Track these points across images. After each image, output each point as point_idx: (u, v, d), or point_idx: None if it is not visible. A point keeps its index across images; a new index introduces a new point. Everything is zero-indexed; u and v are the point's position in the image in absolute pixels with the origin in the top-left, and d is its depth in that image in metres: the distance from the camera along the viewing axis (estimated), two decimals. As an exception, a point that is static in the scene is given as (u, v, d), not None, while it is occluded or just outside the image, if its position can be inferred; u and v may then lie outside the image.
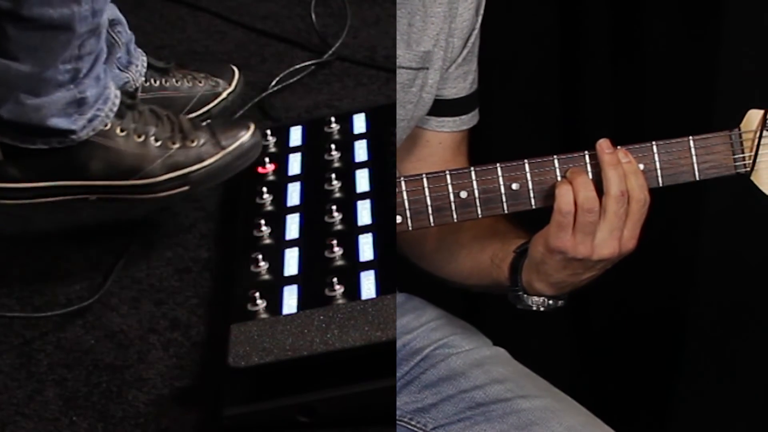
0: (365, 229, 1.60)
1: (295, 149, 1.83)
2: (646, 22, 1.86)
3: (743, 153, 1.28)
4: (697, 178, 1.29)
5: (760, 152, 1.28)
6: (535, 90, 1.95)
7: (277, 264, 1.57)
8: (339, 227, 1.61)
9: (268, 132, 1.86)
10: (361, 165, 1.74)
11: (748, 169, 1.29)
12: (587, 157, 1.28)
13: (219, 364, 1.45)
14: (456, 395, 1.42)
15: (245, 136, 1.69)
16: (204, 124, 1.73)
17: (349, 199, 1.66)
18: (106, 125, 1.64)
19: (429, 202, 1.29)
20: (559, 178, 1.28)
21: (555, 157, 1.29)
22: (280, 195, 1.72)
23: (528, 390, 1.41)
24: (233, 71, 2.00)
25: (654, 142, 1.28)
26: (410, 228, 1.30)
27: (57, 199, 1.66)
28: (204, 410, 1.48)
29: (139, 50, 1.90)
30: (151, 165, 1.66)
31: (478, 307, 1.88)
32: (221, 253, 1.73)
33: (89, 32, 1.57)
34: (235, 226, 1.69)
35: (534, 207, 1.30)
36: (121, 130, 1.65)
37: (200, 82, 1.95)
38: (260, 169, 1.77)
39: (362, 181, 1.70)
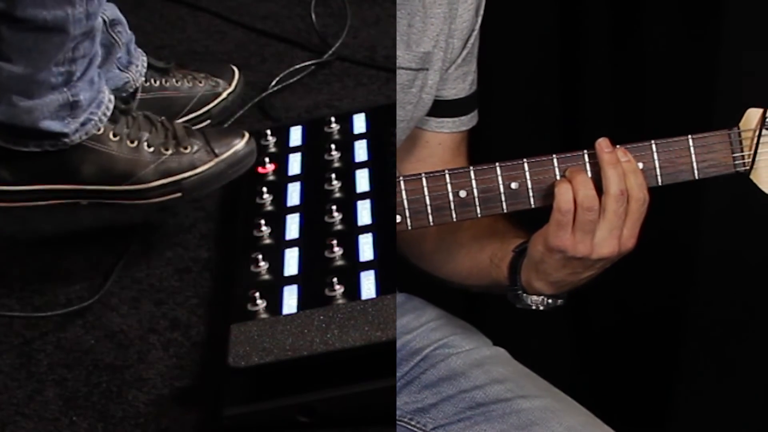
0: (365, 229, 1.60)
1: (295, 149, 1.83)
2: (646, 21, 1.86)
3: (742, 152, 1.28)
4: (696, 177, 1.29)
5: (759, 151, 1.28)
6: (534, 90, 1.95)
7: (277, 264, 1.57)
8: (339, 227, 1.61)
9: (268, 132, 1.86)
10: (361, 165, 1.74)
11: (748, 167, 1.29)
12: (586, 156, 1.28)
13: (219, 364, 1.45)
14: (456, 395, 1.42)
15: (239, 144, 1.69)
16: (199, 130, 1.72)
17: (349, 199, 1.66)
18: (99, 129, 1.64)
19: (428, 202, 1.29)
20: (558, 178, 1.28)
21: (554, 156, 1.29)
22: (280, 195, 1.72)
23: (528, 390, 1.41)
24: (233, 71, 2.00)
25: (653, 141, 1.28)
26: (409, 227, 1.30)
27: (49, 202, 1.66)
28: (204, 410, 1.48)
29: (140, 50, 1.90)
30: (144, 170, 1.65)
31: (478, 307, 1.88)
32: (221, 253, 1.73)
33: (83, 35, 1.57)
34: (235, 226, 1.69)
35: (533, 206, 1.30)
36: (114, 135, 1.65)
37: (200, 82, 1.95)
38: (260, 169, 1.77)
39: (362, 181, 1.70)
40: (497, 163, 1.29)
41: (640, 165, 1.27)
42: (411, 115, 1.39)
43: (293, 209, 1.68)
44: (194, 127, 1.78)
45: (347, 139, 1.81)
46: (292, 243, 1.62)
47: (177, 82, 1.93)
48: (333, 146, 1.78)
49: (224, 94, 1.97)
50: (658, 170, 1.28)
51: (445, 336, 1.48)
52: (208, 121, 1.94)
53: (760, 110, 1.28)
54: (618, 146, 1.27)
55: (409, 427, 1.43)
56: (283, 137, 1.86)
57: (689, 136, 1.28)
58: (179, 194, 1.67)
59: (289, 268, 1.57)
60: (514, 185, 1.29)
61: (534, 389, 1.41)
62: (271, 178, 1.77)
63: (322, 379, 1.42)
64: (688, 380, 1.95)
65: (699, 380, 1.95)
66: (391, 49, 2.16)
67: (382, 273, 1.50)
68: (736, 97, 1.71)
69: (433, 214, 1.30)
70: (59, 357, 1.58)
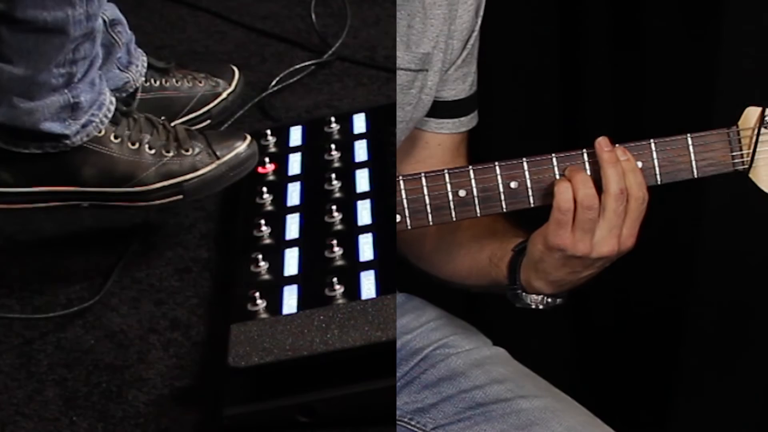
0: (365, 229, 1.60)
1: (295, 149, 1.83)
2: (646, 21, 1.86)
3: (741, 150, 1.28)
4: (696, 176, 1.29)
5: (758, 149, 1.28)
6: (534, 89, 1.95)
7: (277, 264, 1.57)
8: (339, 227, 1.61)
9: (268, 132, 1.86)
10: (361, 165, 1.74)
11: (747, 166, 1.29)
12: (585, 155, 1.28)
13: (219, 364, 1.45)
14: (456, 395, 1.42)
15: (241, 147, 1.69)
16: (200, 132, 1.72)
17: (349, 199, 1.66)
18: (100, 131, 1.64)
19: (428, 201, 1.29)
20: (557, 177, 1.28)
21: (553, 155, 1.29)
22: (280, 195, 1.72)
23: (528, 390, 1.41)
24: (233, 71, 2.00)
25: (652, 140, 1.28)
26: (409, 227, 1.30)
27: (49, 204, 1.66)
28: (204, 410, 1.48)
29: (140, 50, 1.90)
30: (145, 173, 1.65)
31: (478, 307, 1.88)
32: (221, 253, 1.73)
33: (84, 36, 1.57)
34: (235, 226, 1.69)
35: (533, 205, 1.30)
36: (116, 137, 1.65)
37: (200, 82, 1.95)
38: (260, 169, 1.77)
39: (362, 181, 1.70)
40: (496, 163, 1.29)
41: (640, 164, 1.27)
42: (410, 116, 1.39)
43: (293, 209, 1.68)
44: (194, 128, 1.78)
45: (347, 139, 1.81)
46: (292, 243, 1.61)
47: (177, 82, 1.93)
48: (333, 146, 1.78)
49: (224, 94, 1.97)
50: (657, 169, 1.28)
51: (445, 336, 1.48)
52: (208, 121, 1.93)
53: (759, 109, 1.28)
54: (617, 145, 1.27)
55: (409, 427, 1.43)
56: (283, 137, 1.86)
57: (688, 135, 1.28)
58: (180, 196, 1.67)
59: (289, 268, 1.57)
60: (513, 184, 1.29)
61: (534, 389, 1.41)
62: (271, 178, 1.77)
63: (322, 379, 1.42)
64: (688, 380, 1.95)
65: (699, 380, 1.95)
66: (391, 49, 2.16)
67: (382, 273, 1.50)
68: (735, 97, 1.71)
69: (433, 214, 1.30)
70: (59, 357, 1.58)
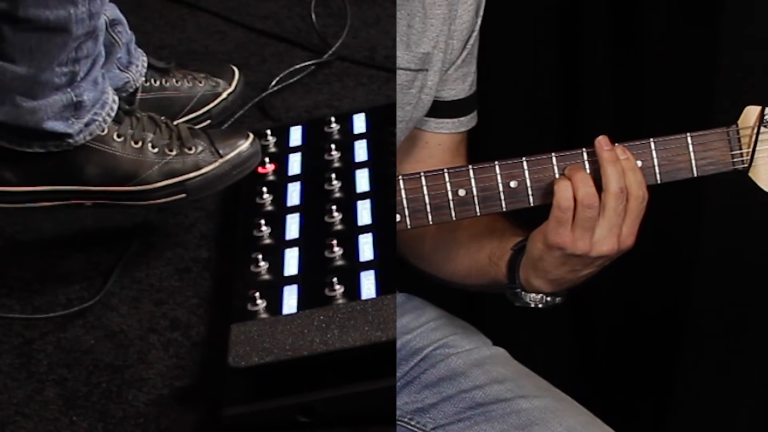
0: (365, 229, 1.60)
1: (295, 149, 1.83)
2: (646, 19, 1.86)
3: (741, 149, 1.28)
4: (695, 175, 1.29)
5: (757, 148, 1.28)
6: (534, 89, 1.95)
7: (277, 264, 1.57)
8: (339, 227, 1.61)
9: (268, 132, 1.86)
10: (361, 165, 1.74)
11: (746, 165, 1.29)
12: (585, 154, 1.28)
13: (219, 364, 1.45)
14: (456, 395, 1.42)
15: (244, 145, 1.69)
16: (203, 131, 1.72)
17: (349, 199, 1.66)
18: (103, 130, 1.64)
19: (427, 201, 1.29)
20: (557, 176, 1.28)
21: (553, 154, 1.29)
22: (280, 195, 1.72)
23: (528, 390, 1.41)
24: (233, 71, 2.00)
25: (651, 139, 1.28)
26: (409, 227, 1.30)
27: (52, 203, 1.66)
28: (204, 410, 1.48)
29: (140, 50, 1.90)
30: (148, 171, 1.65)
31: (478, 307, 1.88)
32: (221, 253, 1.73)
33: (86, 35, 1.57)
34: (235, 226, 1.69)
35: (532, 204, 1.30)
36: (118, 136, 1.65)
37: (200, 82, 1.95)
38: (260, 169, 1.77)
39: (362, 181, 1.70)
40: (496, 162, 1.29)
41: (639, 163, 1.27)
42: (410, 116, 1.39)
43: (293, 209, 1.68)
44: (196, 128, 1.78)
45: (347, 139, 1.81)
46: (292, 243, 1.62)
47: (177, 82, 1.93)
48: (333, 146, 1.78)
49: (224, 94, 1.97)
50: (656, 168, 1.28)
51: (445, 336, 1.48)
52: (208, 122, 1.93)
53: (759, 108, 1.28)
54: (617, 144, 1.27)
55: (409, 427, 1.43)
56: (283, 137, 1.86)
57: (687, 134, 1.28)
58: (183, 195, 1.67)
59: (289, 268, 1.57)
60: (513, 184, 1.29)
61: (534, 389, 1.41)
62: (271, 178, 1.77)
63: (322, 379, 1.43)
64: (688, 380, 1.95)
65: (699, 380, 1.95)
66: (391, 49, 2.16)
67: (382, 273, 1.50)
68: (735, 95, 1.71)
69: (433, 213, 1.30)
70: (59, 357, 1.58)
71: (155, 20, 2.33)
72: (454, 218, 1.30)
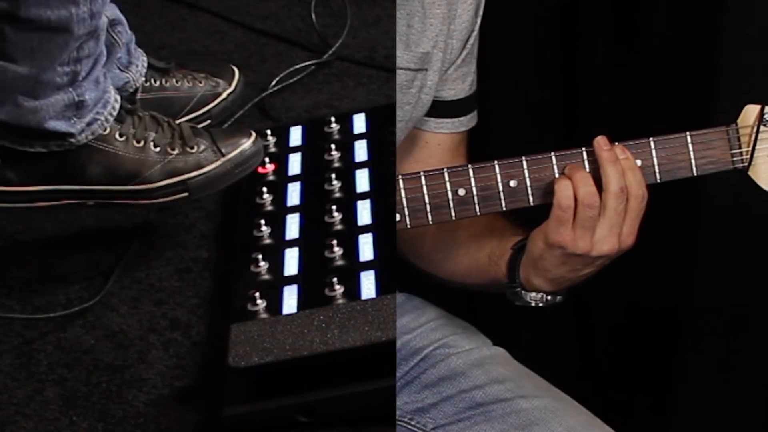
0: (365, 229, 1.60)
1: (295, 149, 1.83)
2: (646, 19, 1.86)
3: (740, 148, 1.28)
4: (695, 174, 1.29)
5: (757, 147, 1.28)
6: (533, 88, 1.95)
7: (277, 264, 1.57)
8: (339, 227, 1.61)
9: (268, 132, 1.86)
10: (361, 165, 1.74)
11: (746, 164, 1.29)
12: (584, 153, 1.28)
13: (219, 364, 1.45)
14: (456, 395, 1.42)
15: (246, 144, 1.69)
16: (205, 130, 1.72)
17: (349, 199, 1.66)
18: (105, 129, 1.64)
19: (427, 200, 1.29)
20: (557, 175, 1.28)
21: (552, 154, 1.29)
22: (280, 195, 1.72)
23: (528, 390, 1.41)
24: (233, 71, 2.00)
25: (651, 138, 1.28)
26: (408, 226, 1.30)
27: (54, 203, 1.66)
28: (204, 410, 1.48)
29: (140, 50, 1.90)
30: (150, 170, 1.65)
31: (478, 307, 1.88)
32: (221, 253, 1.73)
33: (88, 35, 1.57)
34: (235, 226, 1.69)
35: (532, 204, 1.30)
36: (120, 135, 1.65)
37: (200, 82, 1.95)
38: (260, 169, 1.77)
39: (362, 181, 1.70)
40: (496, 161, 1.29)
41: (639, 162, 1.27)
42: (410, 116, 1.39)
43: (293, 209, 1.68)
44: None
45: (347, 139, 1.81)
46: (292, 243, 1.62)
47: (177, 82, 1.93)
48: (333, 146, 1.78)
49: (224, 94, 1.97)
50: (656, 167, 1.28)
51: (445, 336, 1.48)
52: (209, 121, 1.93)
53: (758, 107, 1.28)
54: (616, 144, 1.27)
55: (409, 427, 1.43)
56: (283, 137, 1.86)
57: (687, 133, 1.28)
58: (186, 194, 1.67)
59: (289, 268, 1.57)
60: (513, 183, 1.29)
61: (534, 389, 1.41)
62: (271, 178, 1.77)
63: (322, 379, 1.42)
64: (688, 380, 1.95)
65: (699, 380, 1.95)
66: (391, 49, 2.16)
67: (382, 273, 1.50)
68: (734, 94, 1.71)
69: (432, 213, 1.30)
70: (59, 357, 1.58)
71: (155, 20, 2.34)
72: (453, 218, 1.30)
